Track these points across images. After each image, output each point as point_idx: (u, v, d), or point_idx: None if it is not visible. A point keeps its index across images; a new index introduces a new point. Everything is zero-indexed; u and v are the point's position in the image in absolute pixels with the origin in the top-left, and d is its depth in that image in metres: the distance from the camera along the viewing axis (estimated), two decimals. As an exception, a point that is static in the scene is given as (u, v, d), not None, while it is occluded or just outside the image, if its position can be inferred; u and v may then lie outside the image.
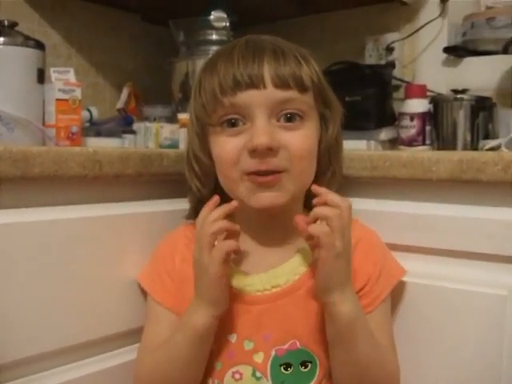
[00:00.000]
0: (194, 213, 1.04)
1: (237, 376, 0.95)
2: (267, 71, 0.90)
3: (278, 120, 0.92)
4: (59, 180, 0.94)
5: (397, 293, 1.03)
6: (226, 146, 0.93)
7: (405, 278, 1.02)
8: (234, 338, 0.96)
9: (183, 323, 0.93)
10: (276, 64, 0.91)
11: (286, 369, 0.94)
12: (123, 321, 1.05)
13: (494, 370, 0.95)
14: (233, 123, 0.93)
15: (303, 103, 0.93)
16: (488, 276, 0.97)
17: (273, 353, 0.94)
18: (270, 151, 0.89)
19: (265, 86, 0.90)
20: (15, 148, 0.88)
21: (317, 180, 0.98)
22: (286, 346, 0.94)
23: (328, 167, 1.01)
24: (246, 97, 0.91)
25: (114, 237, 1.03)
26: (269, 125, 0.91)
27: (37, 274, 0.93)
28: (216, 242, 0.90)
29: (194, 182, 1.01)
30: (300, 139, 0.93)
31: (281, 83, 0.91)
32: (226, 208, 0.92)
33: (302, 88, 0.92)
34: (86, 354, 1.02)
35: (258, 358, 0.94)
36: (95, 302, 1.01)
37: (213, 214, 0.91)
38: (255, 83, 0.90)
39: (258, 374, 0.94)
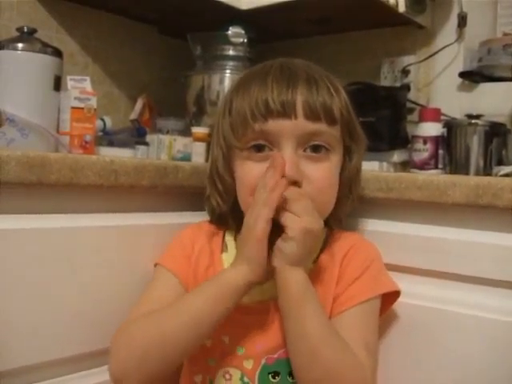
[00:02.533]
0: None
1: (227, 376, 0.95)
2: (299, 101, 0.91)
3: (305, 150, 0.93)
4: (74, 188, 0.94)
5: (407, 315, 1.02)
6: (251, 171, 0.94)
7: (415, 301, 1.01)
8: (227, 340, 0.96)
9: (215, 279, 0.92)
10: (309, 94, 0.92)
11: (273, 377, 0.94)
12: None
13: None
14: (259, 148, 0.94)
15: (331, 136, 0.94)
16: (499, 302, 0.96)
17: (263, 361, 0.94)
18: (295, 183, 0.90)
19: (296, 117, 0.91)
20: (33, 153, 0.88)
21: (336, 207, 0.99)
22: (275, 355, 0.94)
23: (348, 196, 1.01)
24: (277, 125, 0.91)
25: (126, 247, 1.03)
26: (295, 155, 0.92)
27: (47, 280, 0.92)
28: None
29: (215, 197, 1.02)
30: (323, 173, 0.94)
31: (311, 115, 0.91)
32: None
33: (331, 121, 0.93)
34: (89, 364, 1.01)
35: (248, 364, 0.95)
36: (104, 312, 1.00)
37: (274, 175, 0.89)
38: (287, 113, 0.91)
39: (246, 380, 0.94)
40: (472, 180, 0.97)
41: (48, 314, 0.93)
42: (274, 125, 0.91)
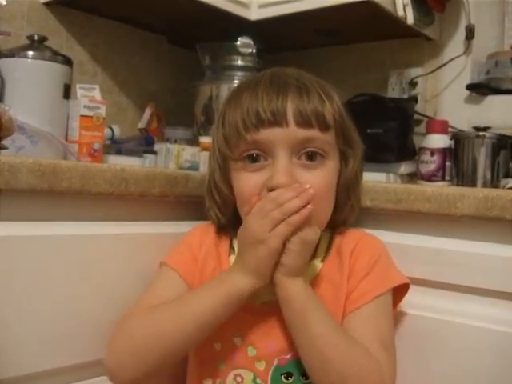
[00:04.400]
0: None
1: (238, 379, 0.95)
2: (290, 109, 0.91)
3: (299, 158, 0.93)
4: (85, 196, 0.95)
5: (414, 326, 1.02)
6: (248, 182, 0.94)
7: (423, 313, 1.01)
8: (238, 342, 0.95)
9: (222, 285, 0.90)
10: (299, 102, 0.92)
11: (286, 378, 0.93)
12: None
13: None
14: (254, 158, 0.94)
15: (324, 142, 0.94)
16: (509, 315, 0.95)
17: (275, 362, 0.94)
18: None
19: (287, 125, 0.91)
20: (44, 161, 0.88)
21: (335, 214, 0.99)
22: (288, 356, 0.94)
23: (346, 202, 1.01)
24: (269, 134, 0.91)
25: (136, 256, 1.03)
26: (289, 163, 0.92)
27: (57, 288, 0.93)
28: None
29: (214, 210, 1.02)
30: (319, 179, 0.93)
31: (303, 122, 0.91)
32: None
33: (323, 127, 0.93)
34: (89, 374, 1.00)
35: (260, 365, 0.94)
36: (112, 320, 0.99)
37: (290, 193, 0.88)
38: (278, 121, 0.91)
39: (259, 381, 0.94)
40: (481, 192, 0.97)
41: (55, 321, 0.93)
42: (266, 134, 0.91)
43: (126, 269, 1.02)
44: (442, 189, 1.02)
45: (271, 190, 0.90)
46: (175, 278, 0.99)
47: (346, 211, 1.01)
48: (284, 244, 0.87)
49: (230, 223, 1.02)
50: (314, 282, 0.96)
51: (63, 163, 0.91)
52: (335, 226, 1.02)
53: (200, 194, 1.08)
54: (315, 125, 0.92)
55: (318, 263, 0.99)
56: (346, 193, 1.00)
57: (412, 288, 1.01)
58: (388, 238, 1.06)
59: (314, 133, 0.92)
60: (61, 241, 0.93)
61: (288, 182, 0.89)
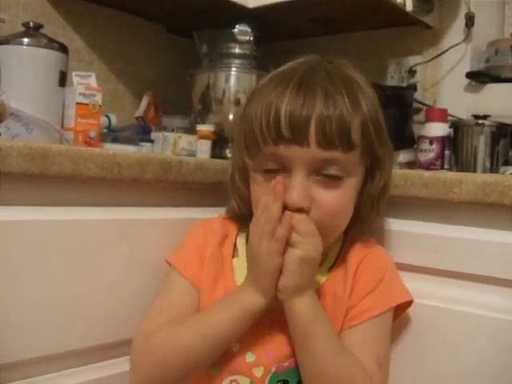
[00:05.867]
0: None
1: None
2: (313, 127, 0.86)
3: (318, 175, 0.89)
4: (77, 180, 0.94)
5: (412, 314, 1.01)
6: (266, 193, 0.90)
7: (421, 301, 1.00)
8: (236, 348, 0.95)
9: (232, 304, 0.92)
10: (324, 117, 0.86)
11: None
12: (130, 328, 1.01)
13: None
14: (273, 171, 0.91)
15: (347, 163, 0.90)
16: (507, 302, 0.95)
17: (273, 369, 0.94)
18: (302, 210, 0.88)
19: (308, 145, 0.87)
20: (35, 145, 0.87)
21: (356, 221, 0.98)
22: (286, 364, 0.94)
23: (370, 213, 0.99)
24: (288, 151, 0.88)
25: (128, 241, 1.02)
26: (306, 181, 0.89)
27: (47, 273, 0.92)
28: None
29: (236, 199, 1.02)
30: (336, 199, 0.90)
31: (325, 142, 0.87)
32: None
33: (347, 147, 0.88)
34: (88, 359, 1.01)
35: (258, 372, 0.94)
36: (103, 307, 1.00)
37: (277, 205, 0.87)
38: (298, 140, 0.87)
39: None
40: (479, 177, 0.96)
41: (47, 307, 0.92)
42: (285, 150, 0.88)
43: (118, 254, 1.01)
44: (439, 174, 1.01)
45: (285, 207, 0.88)
46: (186, 285, 0.99)
47: (370, 219, 1.00)
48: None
49: (249, 215, 0.98)
50: (317, 291, 0.94)
51: (54, 147, 0.90)
52: (352, 230, 1.01)
53: (195, 180, 1.07)
54: (338, 145, 0.87)
55: (323, 273, 0.97)
56: (370, 205, 0.98)
57: (409, 275, 1.01)
58: (384, 224, 1.05)
59: (336, 154, 0.88)
60: (52, 226, 0.92)
61: (300, 202, 0.87)
